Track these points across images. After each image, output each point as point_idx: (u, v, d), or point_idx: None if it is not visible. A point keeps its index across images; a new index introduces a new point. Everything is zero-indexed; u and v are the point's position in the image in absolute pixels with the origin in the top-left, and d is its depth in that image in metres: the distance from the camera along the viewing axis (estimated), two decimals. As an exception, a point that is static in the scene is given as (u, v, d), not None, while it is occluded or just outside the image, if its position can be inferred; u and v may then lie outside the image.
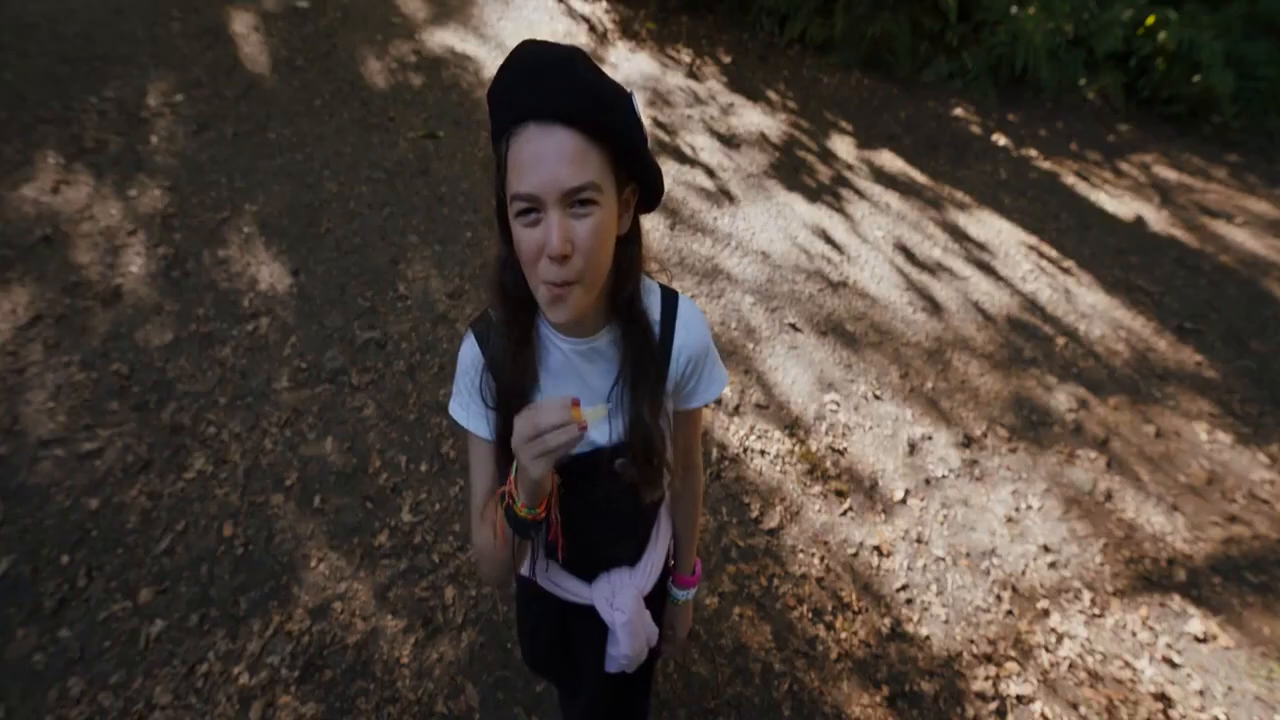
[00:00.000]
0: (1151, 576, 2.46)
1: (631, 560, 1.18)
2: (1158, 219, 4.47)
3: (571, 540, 1.01)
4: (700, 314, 1.02)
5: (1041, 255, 3.97)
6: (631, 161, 0.82)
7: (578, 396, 0.80)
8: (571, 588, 1.16)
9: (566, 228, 0.76)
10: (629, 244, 0.89)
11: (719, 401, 2.80)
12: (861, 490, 2.59)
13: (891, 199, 4.21)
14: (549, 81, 0.74)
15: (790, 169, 4.29)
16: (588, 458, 0.98)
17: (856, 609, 2.24)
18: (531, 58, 0.76)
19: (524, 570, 1.14)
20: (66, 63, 3.91)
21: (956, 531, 2.51)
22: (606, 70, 0.93)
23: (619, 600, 1.14)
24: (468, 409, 0.98)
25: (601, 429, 0.97)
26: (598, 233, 0.78)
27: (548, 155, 0.74)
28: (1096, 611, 2.33)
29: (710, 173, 4.11)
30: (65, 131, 3.50)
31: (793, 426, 2.77)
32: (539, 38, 0.81)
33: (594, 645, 1.22)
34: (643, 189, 0.87)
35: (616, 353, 0.95)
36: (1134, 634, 2.27)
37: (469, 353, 0.97)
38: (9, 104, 3.59)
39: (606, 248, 0.81)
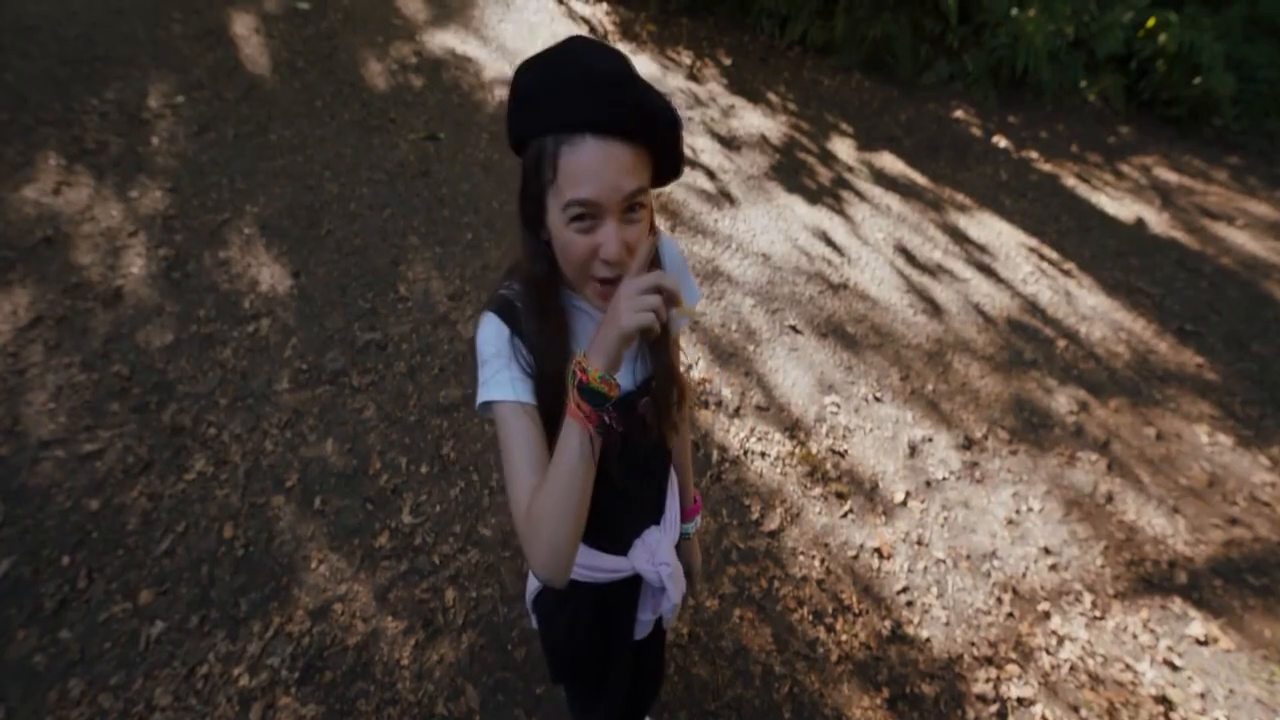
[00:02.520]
0: (1152, 579, 2.46)
1: (656, 517, 1.22)
2: (1158, 221, 4.47)
3: (609, 502, 1.02)
4: (667, 234, 1.07)
5: (1042, 257, 3.97)
6: (666, 165, 0.87)
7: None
8: (609, 565, 1.18)
9: (622, 233, 0.81)
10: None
11: (720, 403, 2.80)
12: (862, 492, 2.59)
13: (892, 201, 4.21)
14: (612, 95, 0.77)
15: (791, 171, 4.29)
16: (619, 404, 0.97)
17: (857, 611, 2.24)
18: (590, 64, 0.78)
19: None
20: (67, 64, 3.92)
21: (957, 534, 2.51)
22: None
23: (659, 556, 1.18)
24: (509, 382, 0.91)
25: (625, 374, 1.00)
26: (644, 232, 0.85)
27: (608, 167, 0.78)
28: (1097, 614, 2.32)
29: (711, 175, 4.11)
30: (66, 133, 3.50)
31: (793, 428, 2.77)
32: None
33: (628, 620, 1.28)
34: (658, 180, 0.90)
35: None
36: (1135, 636, 2.27)
37: (494, 329, 0.94)
38: (10, 105, 3.59)
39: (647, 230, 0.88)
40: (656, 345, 1.02)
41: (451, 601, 2.11)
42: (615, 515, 1.14)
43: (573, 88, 0.78)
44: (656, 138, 0.82)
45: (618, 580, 1.21)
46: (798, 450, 2.69)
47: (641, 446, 1.07)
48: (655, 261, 1.05)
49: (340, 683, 1.92)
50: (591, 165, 0.78)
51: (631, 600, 1.27)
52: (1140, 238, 4.30)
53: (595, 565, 1.18)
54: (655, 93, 0.81)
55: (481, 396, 0.93)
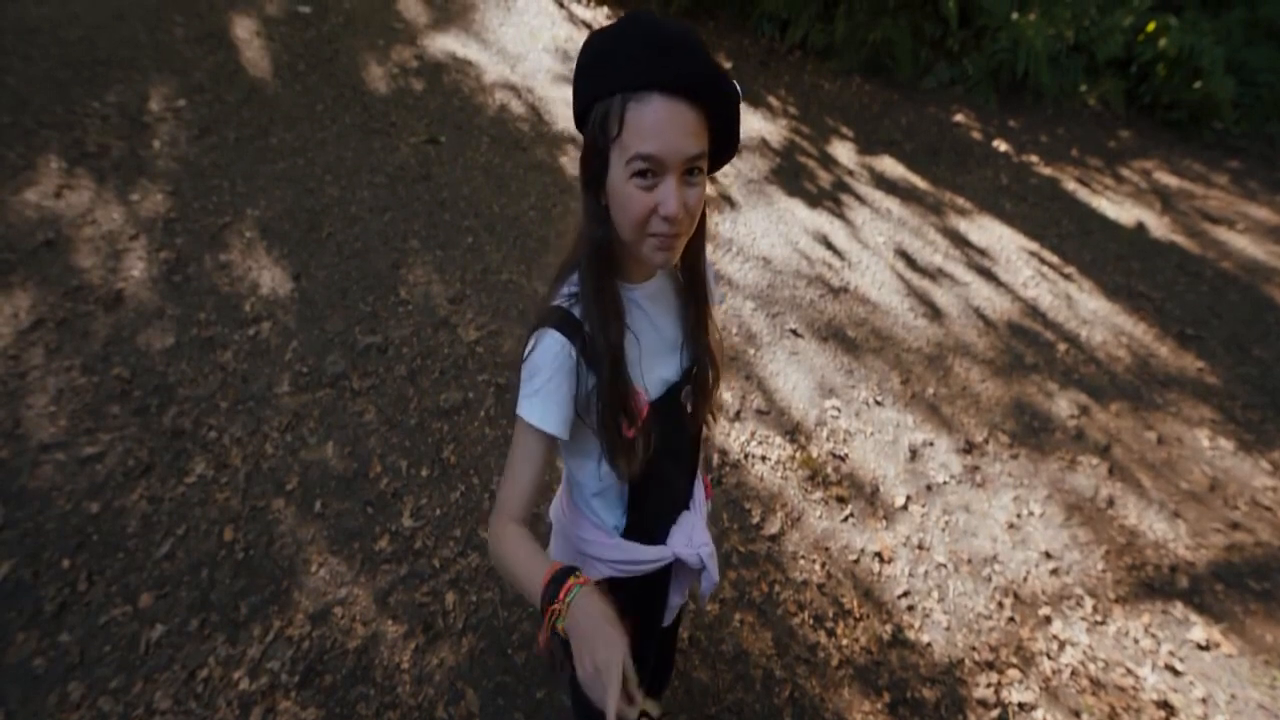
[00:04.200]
0: (1154, 583, 2.45)
1: (687, 501, 1.25)
2: (1159, 225, 4.47)
3: (654, 490, 1.11)
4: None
5: (1042, 261, 3.98)
6: (724, 137, 0.89)
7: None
8: (651, 555, 1.19)
9: (682, 193, 0.84)
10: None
11: (720, 407, 2.80)
12: (862, 496, 2.59)
13: (892, 205, 4.21)
14: (679, 56, 0.81)
15: (791, 174, 4.29)
16: (669, 395, 1.06)
17: (858, 615, 2.24)
18: (658, 29, 0.82)
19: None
20: (69, 67, 3.92)
21: (958, 538, 2.51)
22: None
23: (697, 538, 1.21)
24: (543, 409, 0.95)
25: (672, 367, 1.07)
26: (701, 199, 0.88)
27: (674, 125, 0.81)
28: (1098, 618, 2.32)
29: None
30: (68, 136, 3.50)
31: (794, 432, 2.77)
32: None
33: (660, 606, 1.31)
34: (715, 159, 0.92)
35: (671, 288, 1.07)
36: (1136, 641, 2.27)
37: (554, 349, 0.94)
38: (12, 108, 3.59)
39: (701, 208, 0.92)
40: (697, 329, 1.06)
41: (452, 605, 2.11)
42: (653, 507, 1.17)
43: (643, 48, 0.81)
44: (720, 103, 0.84)
45: (654, 571, 1.22)
46: (798, 454, 2.69)
47: (683, 434, 1.13)
48: (700, 271, 1.06)
49: (340, 686, 1.91)
50: (658, 122, 0.80)
51: (664, 586, 1.29)
52: (1141, 241, 4.30)
53: (637, 559, 1.19)
54: (720, 66, 0.84)
55: (526, 413, 0.95)
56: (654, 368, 1.04)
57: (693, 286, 1.06)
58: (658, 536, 1.20)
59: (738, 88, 0.87)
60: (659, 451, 1.03)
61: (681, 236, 0.89)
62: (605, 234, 0.92)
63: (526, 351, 0.96)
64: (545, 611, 0.84)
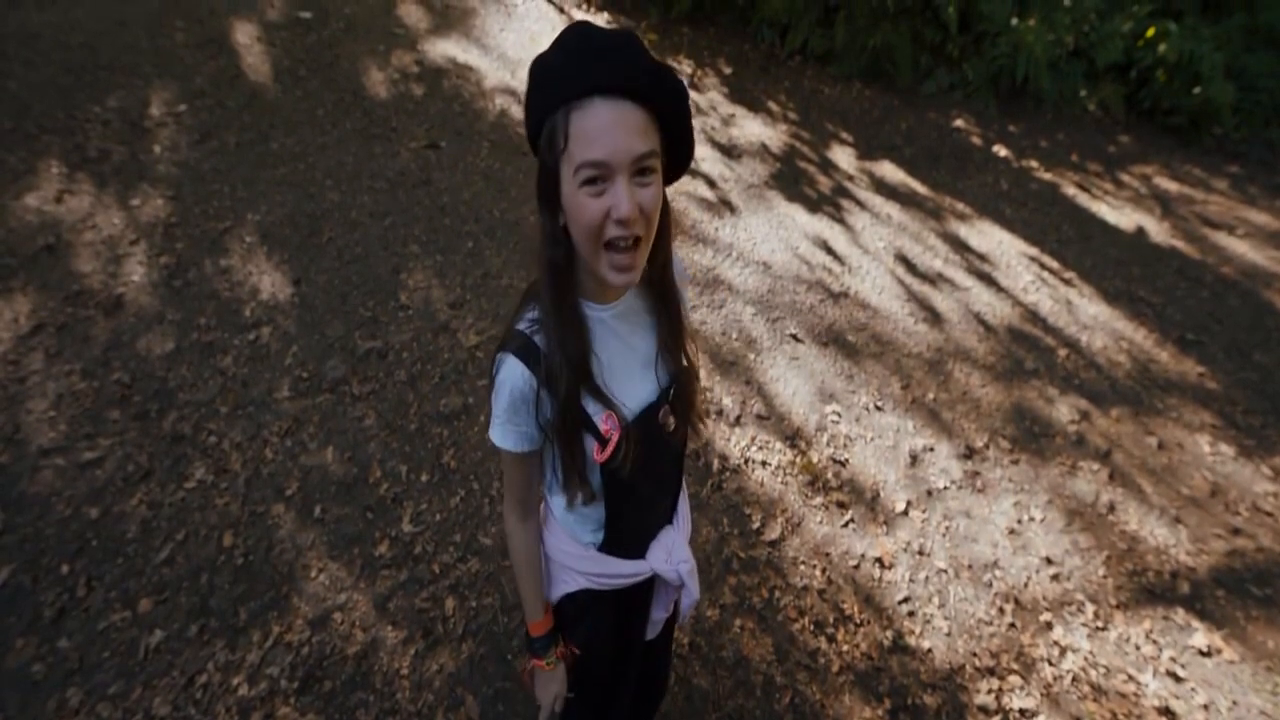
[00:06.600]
0: (1155, 589, 2.45)
1: (669, 517, 1.24)
2: (1159, 230, 4.48)
3: (631, 511, 1.13)
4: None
5: (1043, 266, 3.98)
6: (676, 137, 0.88)
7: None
8: (629, 570, 1.19)
9: (634, 194, 0.82)
10: (663, 213, 0.93)
11: (720, 412, 2.80)
12: (863, 502, 2.58)
13: (892, 210, 4.22)
14: (616, 59, 0.80)
15: (791, 180, 4.30)
16: (647, 416, 1.04)
17: (858, 621, 2.23)
18: (593, 37, 0.81)
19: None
20: (70, 73, 3.93)
21: (958, 543, 2.50)
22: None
23: (676, 555, 1.21)
24: (514, 435, 1.01)
25: (649, 386, 1.04)
26: (657, 199, 0.85)
27: (617, 127, 0.80)
28: (1099, 624, 2.31)
29: (711, 183, 4.12)
30: (69, 141, 3.51)
31: (794, 438, 2.77)
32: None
33: (641, 621, 1.31)
34: (673, 162, 0.91)
35: (645, 307, 1.04)
36: (1137, 647, 2.26)
37: (513, 376, 0.96)
38: (13, 113, 3.60)
39: (659, 213, 0.89)
40: (672, 344, 1.04)
41: (451, 610, 2.10)
42: (631, 525, 1.17)
43: (580, 57, 0.80)
44: (665, 100, 0.83)
45: (635, 584, 1.22)
46: (798, 459, 2.69)
47: (664, 453, 1.12)
48: (670, 283, 1.05)
49: (340, 692, 1.91)
50: (601, 126, 0.79)
51: (645, 601, 1.28)
52: (1141, 247, 4.30)
53: (615, 573, 1.18)
54: (657, 60, 0.83)
55: (491, 433, 1.02)
56: (627, 387, 1.02)
57: (664, 300, 1.04)
58: (636, 551, 1.19)
59: (684, 84, 0.86)
60: (637, 472, 1.02)
61: (640, 247, 0.86)
62: (563, 254, 0.91)
63: (494, 371, 0.99)
64: (530, 657, 1.21)
